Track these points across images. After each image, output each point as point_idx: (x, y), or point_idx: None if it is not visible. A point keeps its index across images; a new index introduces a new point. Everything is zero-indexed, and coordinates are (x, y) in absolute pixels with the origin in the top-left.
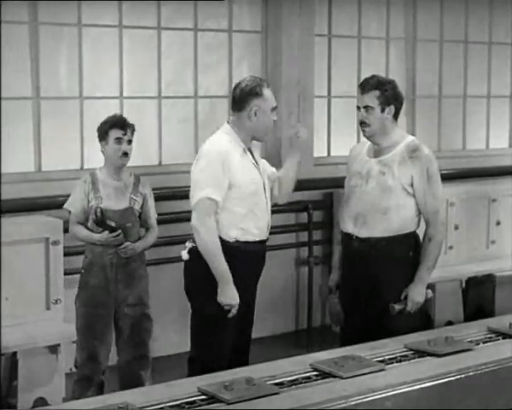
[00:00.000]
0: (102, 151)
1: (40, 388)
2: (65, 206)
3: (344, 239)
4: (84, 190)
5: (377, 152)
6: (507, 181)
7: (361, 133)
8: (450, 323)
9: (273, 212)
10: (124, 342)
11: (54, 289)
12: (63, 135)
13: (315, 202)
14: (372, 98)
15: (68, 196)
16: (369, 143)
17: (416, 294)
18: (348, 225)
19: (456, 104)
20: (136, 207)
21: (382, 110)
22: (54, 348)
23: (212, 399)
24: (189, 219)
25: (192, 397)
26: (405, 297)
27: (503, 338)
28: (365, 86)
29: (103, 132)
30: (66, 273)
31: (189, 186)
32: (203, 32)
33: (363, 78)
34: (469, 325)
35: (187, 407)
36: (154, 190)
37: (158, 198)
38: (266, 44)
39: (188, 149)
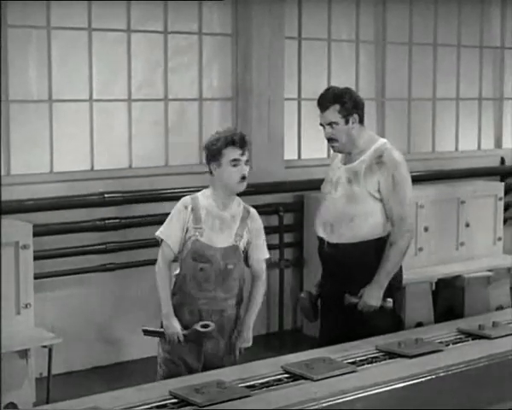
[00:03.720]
0: (211, 173)
1: (11, 392)
2: (158, 233)
3: (318, 243)
4: (184, 218)
5: (348, 159)
6: (476, 183)
7: None
8: (420, 324)
9: None
10: None
11: (24, 294)
12: (32, 138)
13: (286, 205)
14: (333, 113)
15: (38, 199)
16: None
17: (370, 296)
18: (319, 230)
19: (426, 107)
20: (242, 245)
21: (346, 122)
22: (24, 353)
23: (184, 402)
24: (158, 222)
25: (163, 401)
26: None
27: (473, 339)
28: (323, 103)
29: (215, 152)
30: (36, 277)
31: (159, 189)
32: (173, 34)
33: (333, 80)
34: (439, 327)
35: None
36: (123, 193)
37: (128, 201)
38: (236, 47)
39: (158, 152)
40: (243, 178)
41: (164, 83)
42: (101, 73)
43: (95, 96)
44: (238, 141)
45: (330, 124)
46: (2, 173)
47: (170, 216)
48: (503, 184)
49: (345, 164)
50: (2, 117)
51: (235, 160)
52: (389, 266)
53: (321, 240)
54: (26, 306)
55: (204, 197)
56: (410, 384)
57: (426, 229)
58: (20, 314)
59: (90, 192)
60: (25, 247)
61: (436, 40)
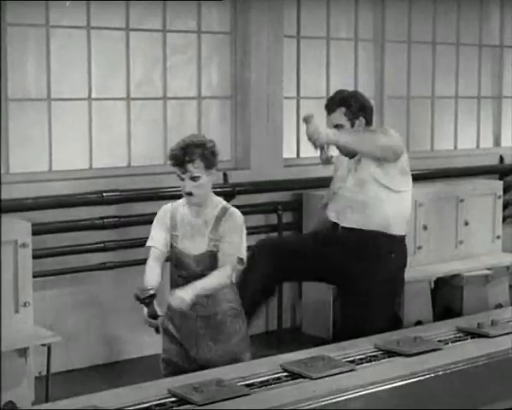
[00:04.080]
0: None
1: (10, 391)
2: (147, 243)
3: (329, 229)
4: (166, 224)
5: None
6: (475, 181)
7: None
8: (419, 323)
9: (243, 213)
10: None
11: (22, 292)
12: (31, 137)
13: (285, 204)
14: (340, 116)
15: (36, 198)
16: None
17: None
18: (332, 216)
19: (425, 105)
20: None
21: (352, 125)
22: (23, 352)
23: (182, 401)
24: None
25: (162, 399)
26: None
27: (472, 338)
28: (331, 106)
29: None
30: (34, 276)
31: (158, 188)
32: (172, 32)
33: (332, 79)
34: (438, 325)
35: (157, 409)
36: (122, 191)
37: (126, 200)
38: (235, 45)
39: (157, 150)
40: (187, 193)
41: (163, 81)
42: (99, 72)
43: (93, 95)
44: (172, 159)
45: (336, 126)
46: (2, 172)
47: (153, 225)
48: (501, 182)
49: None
50: (1, 115)
51: (178, 175)
52: None
53: (333, 225)
54: (25, 304)
55: (182, 204)
56: (409, 383)
57: (425, 227)
58: (18, 313)
59: (88, 191)
60: (24, 245)
61: (435, 38)
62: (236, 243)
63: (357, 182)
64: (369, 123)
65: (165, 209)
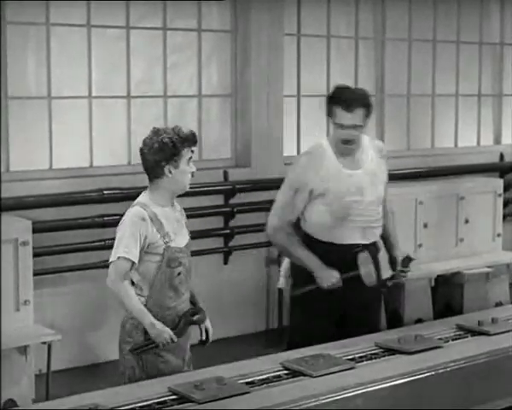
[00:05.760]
0: (158, 177)
1: (9, 389)
2: (120, 254)
3: (343, 251)
4: (144, 231)
5: (354, 163)
6: (475, 179)
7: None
8: (419, 321)
9: (243, 211)
10: None
11: (23, 291)
12: (31, 135)
13: None
14: (360, 117)
15: (37, 196)
16: (327, 151)
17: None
18: (356, 237)
19: (425, 103)
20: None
21: (365, 125)
22: (23, 350)
23: (183, 399)
24: None
25: (163, 397)
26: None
27: (472, 335)
28: (353, 104)
29: (174, 153)
30: (35, 274)
31: None
32: (172, 31)
33: (332, 77)
34: (439, 323)
35: (158, 407)
36: (122, 189)
37: (127, 198)
38: (235, 44)
39: None
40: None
41: (163, 79)
42: (100, 70)
43: (94, 93)
44: (194, 137)
45: (355, 127)
46: (2, 170)
47: (122, 233)
48: (502, 180)
49: (357, 169)
50: (1, 114)
51: (190, 158)
52: None
53: (351, 247)
54: (26, 302)
55: (153, 203)
56: (410, 381)
57: (425, 225)
58: (19, 311)
59: (89, 189)
60: (24, 243)
61: (435, 36)
62: None
63: (377, 198)
64: None
65: (141, 214)
